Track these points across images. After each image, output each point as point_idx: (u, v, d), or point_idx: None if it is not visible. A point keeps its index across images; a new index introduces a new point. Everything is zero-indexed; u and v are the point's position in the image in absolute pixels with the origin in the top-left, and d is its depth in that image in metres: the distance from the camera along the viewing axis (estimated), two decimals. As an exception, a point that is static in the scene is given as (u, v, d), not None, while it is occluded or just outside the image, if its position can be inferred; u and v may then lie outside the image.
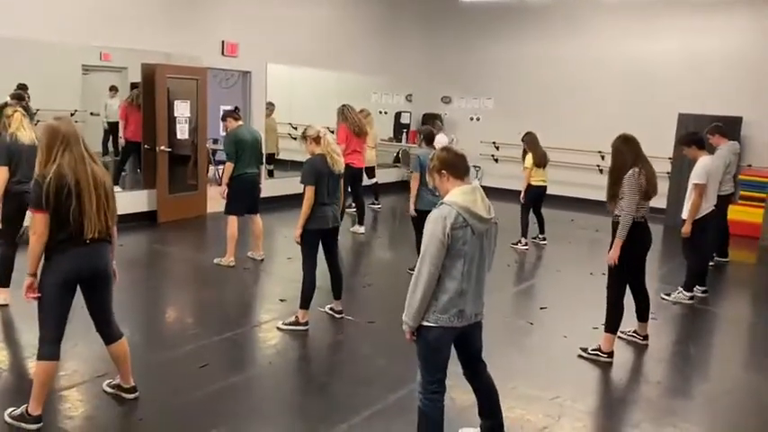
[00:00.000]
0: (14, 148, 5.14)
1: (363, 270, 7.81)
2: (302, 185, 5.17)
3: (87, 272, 3.59)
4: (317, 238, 5.27)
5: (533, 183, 8.53)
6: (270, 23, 10.39)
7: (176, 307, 6.24)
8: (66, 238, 3.47)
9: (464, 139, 13.14)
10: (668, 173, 10.59)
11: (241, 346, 5.10)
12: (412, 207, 6.67)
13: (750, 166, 10.42)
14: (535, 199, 8.67)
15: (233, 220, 7.08)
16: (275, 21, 10.48)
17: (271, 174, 11.17)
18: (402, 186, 13.39)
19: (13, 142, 5.15)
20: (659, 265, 7.96)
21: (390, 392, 4.26)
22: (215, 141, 11.85)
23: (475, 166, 12.65)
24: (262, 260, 7.35)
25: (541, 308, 6.34)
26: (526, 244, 8.63)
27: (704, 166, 6.24)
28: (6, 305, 5.42)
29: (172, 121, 9.10)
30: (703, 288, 6.76)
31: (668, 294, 6.60)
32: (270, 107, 10.81)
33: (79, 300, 3.75)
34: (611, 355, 4.96)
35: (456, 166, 3.23)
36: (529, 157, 8.50)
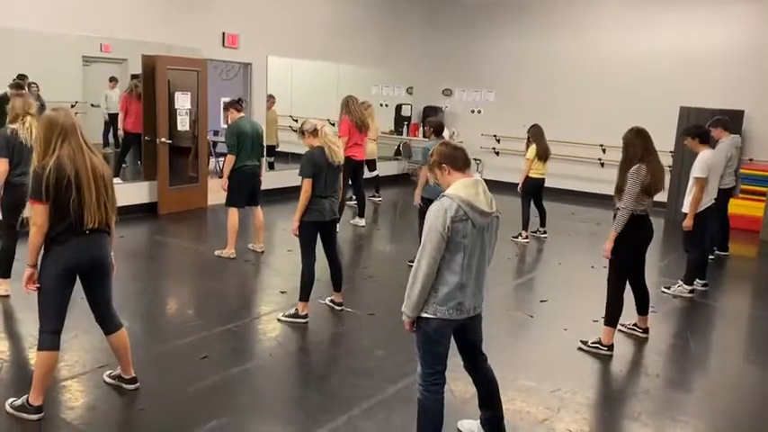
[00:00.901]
0: (15, 141, 5.14)
1: (364, 262, 7.81)
2: (300, 178, 5.17)
3: (86, 262, 3.60)
4: (315, 230, 5.27)
5: (532, 175, 8.53)
6: (271, 15, 10.36)
7: (177, 298, 6.24)
8: (66, 229, 3.47)
9: (465, 131, 13.14)
10: (669, 166, 10.56)
11: (241, 338, 5.11)
12: (417, 198, 6.70)
13: (751, 160, 10.41)
14: (533, 191, 8.68)
15: (233, 212, 7.08)
16: (276, 13, 10.45)
17: (271, 166, 11.17)
18: (403, 179, 13.41)
19: (13, 136, 5.15)
20: (660, 258, 7.96)
21: (390, 384, 4.27)
22: (215, 133, 11.84)
23: (476, 159, 12.63)
24: (262, 252, 7.35)
25: (542, 301, 6.35)
26: (527, 237, 8.63)
27: (705, 160, 6.23)
28: (8, 296, 5.44)
29: (172, 112, 9.09)
30: (704, 282, 6.77)
31: (668, 288, 6.61)
32: (270, 99, 10.80)
33: (79, 291, 3.76)
34: (610, 347, 4.97)
35: (455, 158, 3.21)
36: (532, 148, 8.50)
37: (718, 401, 4.47)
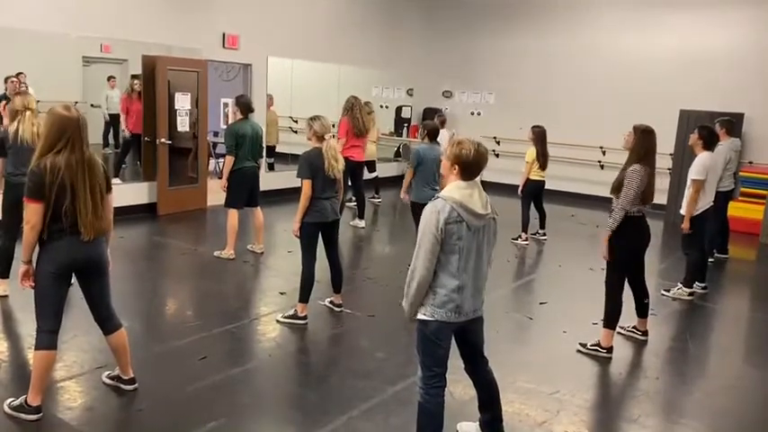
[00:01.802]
0: (13, 140, 5.12)
1: (363, 263, 7.81)
2: (299, 179, 5.16)
3: (81, 261, 3.58)
4: (316, 231, 5.26)
5: (532, 177, 8.54)
6: (271, 16, 10.37)
7: (176, 299, 6.24)
8: (60, 229, 3.45)
9: (465, 133, 12.95)
10: (669, 169, 10.59)
11: (240, 339, 5.10)
12: (403, 193, 6.96)
13: (751, 162, 10.41)
14: (534, 193, 8.68)
15: (233, 213, 7.07)
16: (276, 13, 10.45)
17: (271, 167, 11.16)
18: (402, 181, 13.39)
19: (9, 135, 5.13)
20: (659, 260, 7.96)
21: (389, 385, 4.26)
22: (215, 134, 11.84)
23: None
24: (262, 253, 7.35)
25: (541, 303, 6.34)
26: (526, 239, 8.62)
27: (703, 162, 6.24)
28: (6, 296, 5.43)
29: (172, 113, 9.09)
30: (703, 284, 6.77)
31: (668, 290, 6.61)
32: (267, 99, 10.79)
33: (79, 291, 3.75)
34: (610, 350, 4.96)
35: (470, 167, 3.15)
36: (532, 151, 8.49)
37: (717, 403, 4.46)
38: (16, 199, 5.08)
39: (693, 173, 6.23)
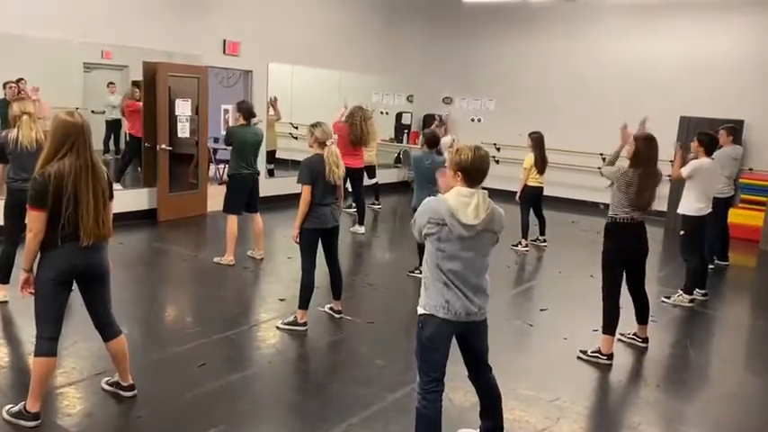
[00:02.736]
0: (13, 146, 5.12)
1: (363, 270, 7.80)
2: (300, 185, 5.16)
3: (82, 267, 3.57)
4: (316, 237, 5.25)
5: (530, 183, 8.54)
6: (271, 23, 10.39)
7: (175, 305, 6.23)
8: (62, 236, 3.45)
9: (465, 140, 13.02)
10: (669, 176, 10.56)
11: (240, 346, 5.09)
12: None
13: (751, 169, 10.41)
14: (532, 200, 8.68)
15: (232, 219, 7.07)
16: (277, 20, 10.48)
17: (271, 173, 11.17)
18: (402, 187, 13.41)
19: (8, 140, 5.13)
20: (659, 267, 7.95)
21: (389, 392, 4.25)
22: (216, 140, 11.85)
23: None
24: (261, 259, 7.34)
25: (542, 309, 6.33)
26: (526, 245, 8.62)
27: (693, 164, 6.36)
28: (6, 302, 5.42)
29: (173, 119, 9.09)
30: (703, 291, 6.76)
31: (668, 297, 6.60)
32: (272, 99, 10.80)
33: (79, 297, 3.75)
34: (610, 357, 4.95)
35: (471, 174, 3.18)
36: (530, 157, 8.49)
37: (718, 411, 4.45)
38: (17, 204, 5.08)
39: (684, 170, 6.39)
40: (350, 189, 8.79)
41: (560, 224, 10.15)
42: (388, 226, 10.70)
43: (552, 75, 12.46)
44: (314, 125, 5.26)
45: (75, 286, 3.68)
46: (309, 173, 5.12)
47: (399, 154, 13.55)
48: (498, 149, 13.07)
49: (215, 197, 8.91)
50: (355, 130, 8.50)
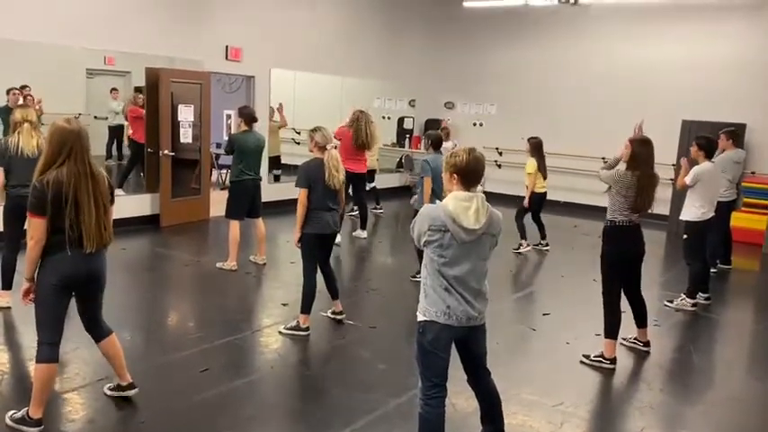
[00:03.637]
0: (11, 152, 5.13)
1: (365, 275, 7.80)
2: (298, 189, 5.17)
3: (84, 274, 3.58)
4: (317, 242, 5.26)
5: (536, 189, 8.53)
6: (274, 28, 10.42)
7: (178, 311, 6.23)
8: (63, 242, 3.45)
9: (467, 144, 13.01)
10: (671, 179, 10.57)
11: (243, 351, 5.09)
12: (426, 201, 6.73)
13: (753, 173, 10.40)
14: (539, 204, 8.68)
15: (235, 225, 7.08)
16: (279, 26, 10.51)
17: (277, 179, 11.18)
18: (405, 191, 13.40)
19: (8, 147, 5.14)
20: (661, 271, 7.94)
21: (391, 398, 4.25)
22: (218, 146, 11.88)
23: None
24: (264, 264, 7.34)
25: (544, 314, 6.32)
26: (528, 246, 8.61)
27: (695, 170, 6.31)
28: (9, 308, 5.44)
29: (175, 125, 9.12)
30: (706, 295, 6.74)
31: (671, 301, 6.59)
32: (278, 105, 10.84)
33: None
34: (613, 361, 4.95)
35: (468, 175, 3.21)
36: (532, 162, 8.49)
37: (721, 415, 4.44)
38: (18, 211, 5.09)
39: (687, 178, 6.33)
40: (351, 194, 8.77)
41: (562, 228, 10.14)
42: (389, 231, 10.70)
43: (553, 79, 12.47)
44: (314, 130, 5.28)
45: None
46: (306, 176, 5.14)
47: (401, 158, 13.55)
48: (500, 153, 13.08)
49: (217, 203, 8.91)
50: (360, 134, 8.48)
